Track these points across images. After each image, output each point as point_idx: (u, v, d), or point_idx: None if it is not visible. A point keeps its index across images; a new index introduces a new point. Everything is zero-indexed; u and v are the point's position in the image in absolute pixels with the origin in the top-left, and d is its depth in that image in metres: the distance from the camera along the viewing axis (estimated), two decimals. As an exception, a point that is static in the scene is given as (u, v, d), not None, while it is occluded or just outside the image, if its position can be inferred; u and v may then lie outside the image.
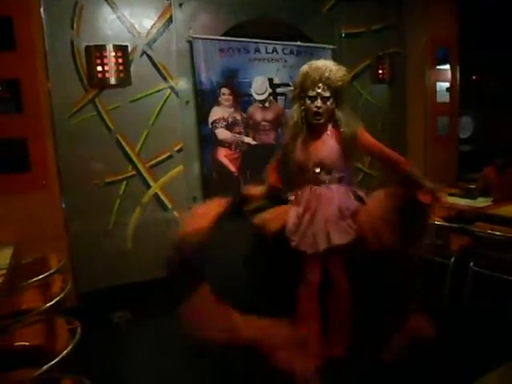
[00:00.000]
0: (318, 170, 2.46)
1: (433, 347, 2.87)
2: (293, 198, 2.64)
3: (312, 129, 2.50)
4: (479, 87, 7.41)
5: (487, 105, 7.11)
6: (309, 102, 2.43)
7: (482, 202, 4.14)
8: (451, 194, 4.59)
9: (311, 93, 2.40)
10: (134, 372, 2.96)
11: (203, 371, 2.73)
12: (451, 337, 3.21)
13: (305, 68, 2.46)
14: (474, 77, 7.60)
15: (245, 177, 4.60)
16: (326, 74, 2.37)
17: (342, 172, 2.49)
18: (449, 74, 5.94)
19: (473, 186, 4.94)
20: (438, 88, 5.87)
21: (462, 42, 5.86)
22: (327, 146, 2.46)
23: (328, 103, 2.42)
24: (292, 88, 2.63)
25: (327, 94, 2.39)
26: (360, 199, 2.53)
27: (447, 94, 5.95)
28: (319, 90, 2.39)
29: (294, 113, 2.52)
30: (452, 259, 3.77)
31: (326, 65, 2.42)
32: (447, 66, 5.92)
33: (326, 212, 2.42)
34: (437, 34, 5.69)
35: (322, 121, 2.45)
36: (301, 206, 2.51)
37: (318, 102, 2.40)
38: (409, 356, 2.66)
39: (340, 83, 2.41)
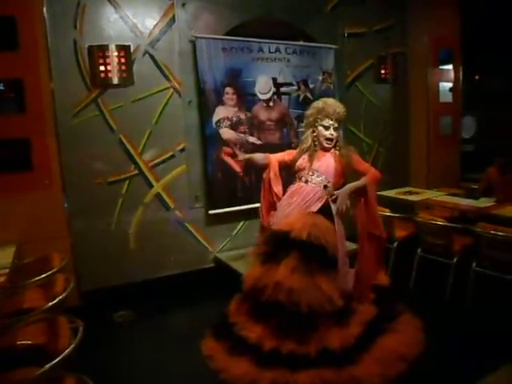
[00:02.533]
0: (312, 174, 3.01)
1: (435, 348, 2.87)
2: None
3: (319, 150, 3.05)
4: (482, 87, 7.40)
5: (490, 105, 7.10)
6: (323, 129, 2.99)
7: (484, 202, 4.13)
8: (454, 194, 4.60)
9: (326, 123, 2.98)
10: (135, 371, 2.97)
11: (206, 370, 2.73)
12: (453, 337, 3.21)
13: (320, 103, 3.03)
14: (476, 77, 7.58)
15: (249, 177, 4.60)
16: (337, 110, 2.98)
17: (329, 182, 2.98)
18: (451, 74, 5.94)
19: (475, 186, 4.94)
20: (440, 88, 5.87)
21: (464, 41, 5.86)
22: (327, 161, 3.01)
23: (337, 132, 3.01)
24: (305, 117, 3.14)
25: (336, 125, 2.99)
26: (328, 209, 2.97)
27: (450, 93, 5.95)
28: (332, 122, 2.97)
29: (307, 138, 3.07)
30: (454, 259, 3.77)
31: (335, 102, 3.06)
32: (450, 66, 5.92)
33: (300, 203, 2.97)
34: (439, 33, 5.69)
35: (331, 145, 3.02)
36: (288, 194, 3.07)
37: (331, 131, 2.99)
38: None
39: (343, 118, 3.03)
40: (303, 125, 3.28)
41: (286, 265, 2.72)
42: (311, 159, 3.01)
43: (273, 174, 3.16)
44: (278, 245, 2.84)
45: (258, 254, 2.95)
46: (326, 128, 2.98)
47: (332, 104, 3.01)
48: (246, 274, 3.00)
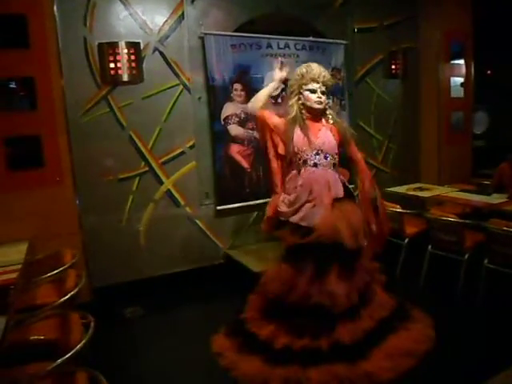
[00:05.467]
0: (317, 154, 2.71)
1: (446, 345, 2.85)
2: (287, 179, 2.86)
3: (309, 120, 2.78)
4: (494, 82, 7.31)
5: (502, 99, 7.01)
6: (309, 93, 2.73)
7: (496, 199, 4.09)
8: (466, 191, 4.55)
9: (312, 86, 2.72)
10: (146, 366, 2.99)
11: (216, 367, 2.74)
12: (465, 334, 3.19)
13: (303, 68, 2.79)
14: (488, 71, 7.49)
15: (257, 173, 4.59)
16: (323, 73, 2.75)
17: (335, 160, 2.76)
18: (463, 69, 5.87)
19: (488, 182, 4.89)
20: (452, 83, 5.80)
21: (476, 36, 5.78)
22: (325, 135, 2.74)
23: (325, 96, 2.75)
24: (289, 86, 2.87)
25: (323, 88, 2.74)
26: (344, 185, 2.76)
27: (461, 88, 5.88)
28: (319, 85, 2.73)
29: (292, 106, 2.79)
30: (466, 256, 3.74)
31: (319, 66, 2.79)
32: (461, 61, 5.85)
33: (323, 193, 2.66)
34: (451, 28, 5.62)
35: (321, 107, 2.74)
36: (298, 183, 2.73)
37: (319, 94, 2.72)
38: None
39: (330, 83, 2.79)
40: (287, 94, 2.97)
41: (331, 272, 2.60)
42: (306, 134, 2.72)
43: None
44: (320, 253, 2.63)
45: (285, 258, 2.79)
46: (313, 91, 2.71)
47: (316, 67, 2.76)
48: (268, 273, 2.82)
